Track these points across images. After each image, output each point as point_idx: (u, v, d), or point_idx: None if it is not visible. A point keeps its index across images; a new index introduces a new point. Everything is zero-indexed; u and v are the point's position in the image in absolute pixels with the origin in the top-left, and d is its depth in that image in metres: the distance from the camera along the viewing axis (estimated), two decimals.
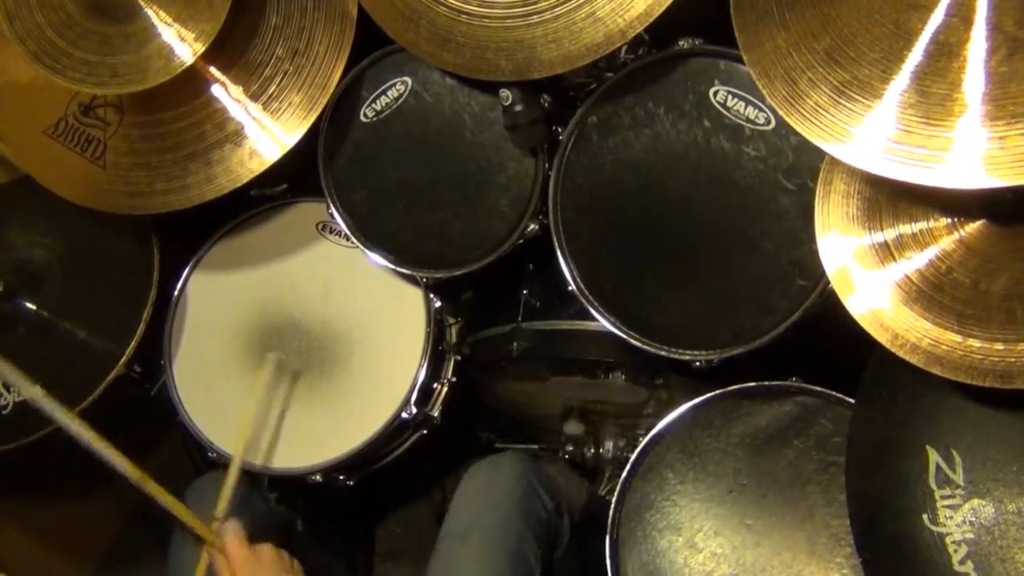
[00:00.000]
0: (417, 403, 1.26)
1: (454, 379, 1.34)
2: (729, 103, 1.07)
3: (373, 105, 1.25)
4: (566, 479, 1.56)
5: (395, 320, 1.30)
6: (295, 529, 1.40)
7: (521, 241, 1.20)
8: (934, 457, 0.92)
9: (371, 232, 1.28)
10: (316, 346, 1.31)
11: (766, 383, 1.11)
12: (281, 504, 1.36)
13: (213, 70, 1.17)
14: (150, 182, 1.20)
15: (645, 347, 1.13)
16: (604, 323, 1.15)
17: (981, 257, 0.85)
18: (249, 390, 1.30)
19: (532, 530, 1.14)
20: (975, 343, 0.84)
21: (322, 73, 1.17)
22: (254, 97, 1.18)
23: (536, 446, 1.56)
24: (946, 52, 0.75)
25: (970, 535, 0.88)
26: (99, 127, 1.22)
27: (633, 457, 1.13)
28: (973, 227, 0.87)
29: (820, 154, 0.92)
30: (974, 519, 0.89)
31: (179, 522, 1.12)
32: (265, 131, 1.18)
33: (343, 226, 1.28)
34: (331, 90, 1.18)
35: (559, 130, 1.17)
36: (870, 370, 0.99)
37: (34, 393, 1.15)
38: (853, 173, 0.93)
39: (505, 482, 1.18)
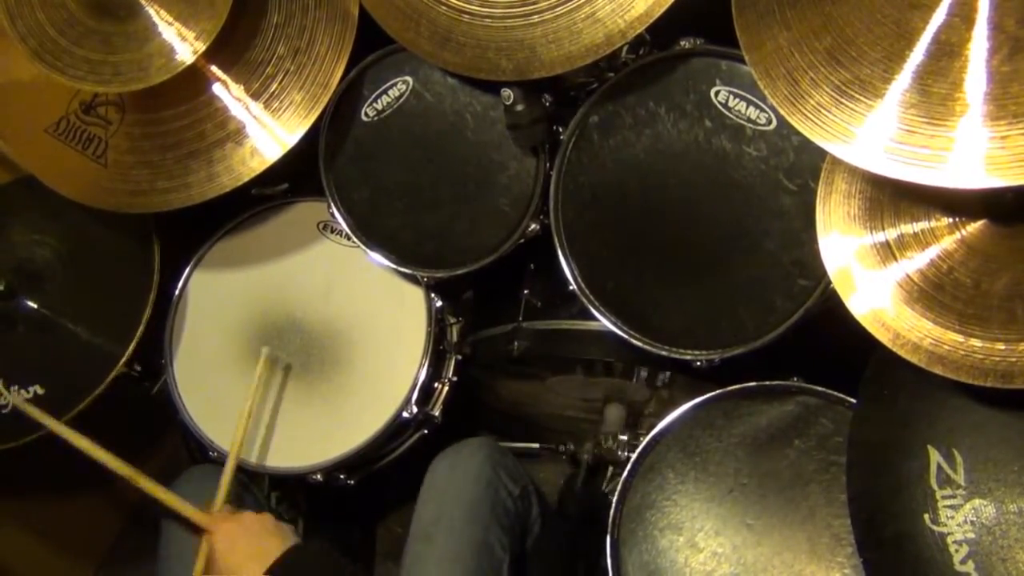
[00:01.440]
0: (418, 402, 1.26)
1: (455, 379, 1.33)
2: (730, 103, 1.07)
3: (374, 104, 1.25)
4: (566, 478, 1.56)
5: (396, 319, 1.30)
6: (295, 529, 1.39)
7: (522, 241, 1.20)
8: (935, 457, 0.92)
9: (372, 232, 1.28)
10: (317, 345, 1.31)
11: (767, 383, 1.11)
12: (282, 504, 1.36)
13: (214, 69, 1.17)
14: (151, 181, 1.21)
15: (646, 347, 1.13)
16: (605, 323, 1.15)
17: (982, 257, 0.85)
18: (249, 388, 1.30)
19: (498, 520, 1.12)
20: (976, 343, 0.84)
21: (323, 72, 1.17)
22: (255, 96, 1.18)
23: (536, 446, 1.56)
24: (948, 52, 0.75)
25: (971, 535, 0.88)
26: (100, 125, 1.22)
27: (634, 457, 1.13)
28: (974, 227, 0.87)
29: (821, 154, 0.92)
30: (975, 519, 0.89)
31: (172, 512, 1.13)
32: (266, 130, 1.18)
33: (344, 226, 1.28)
34: (332, 89, 1.18)
35: (560, 130, 1.17)
36: (871, 370, 0.99)
37: (16, 400, 1.17)
38: (854, 173, 0.93)
39: (467, 473, 1.15)
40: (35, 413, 1.18)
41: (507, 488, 1.16)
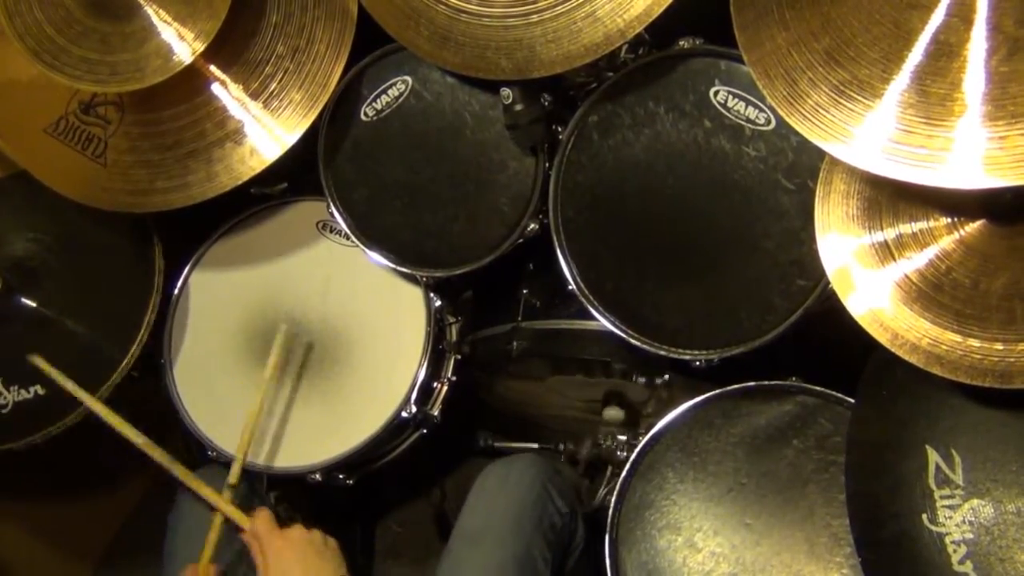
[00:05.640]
0: (417, 402, 1.26)
1: (454, 378, 1.33)
2: (729, 103, 1.07)
3: (373, 104, 1.25)
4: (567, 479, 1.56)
5: (395, 319, 1.30)
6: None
7: (521, 240, 1.20)
8: (933, 457, 0.92)
9: (371, 231, 1.28)
10: (316, 345, 1.31)
11: (766, 383, 1.11)
12: (281, 503, 1.36)
13: (213, 68, 1.17)
14: (151, 180, 1.20)
15: (645, 346, 1.13)
16: (604, 322, 1.15)
17: (981, 257, 0.86)
18: (249, 388, 1.30)
19: (544, 535, 1.14)
20: (975, 343, 0.84)
21: (322, 71, 1.17)
22: (254, 95, 1.18)
23: (536, 445, 1.56)
24: (946, 52, 0.75)
25: (969, 535, 0.88)
26: (99, 125, 1.22)
27: (633, 456, 1.13)
28: (973, 227, 0.87)
29: (820, 154, 0.92)
30: (973, 519, 0.89)
31: (209, 504, 1.14)
32: (265, 129, 1.18)
33: (343, 225, 1.28)
34: (331, 88, 1.18)
35: (559, 129, 1.17)
36: (870, 370, 0.99)
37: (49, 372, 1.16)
38: (853, 173, 0.93)
39: (519, 485, 1.17)
40: (73, 389, 1.18)
41: (555, 505, 1.17)
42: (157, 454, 1.16)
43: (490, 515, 1.15)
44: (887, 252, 0.90)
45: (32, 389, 1.29)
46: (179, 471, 1.16)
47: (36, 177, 1.24)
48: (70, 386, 1.19)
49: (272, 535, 1.06)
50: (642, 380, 1.30)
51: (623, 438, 1.37)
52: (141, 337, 1.28)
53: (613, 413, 1.38)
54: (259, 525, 1.08)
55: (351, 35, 1.17)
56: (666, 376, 1.28)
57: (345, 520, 1.62)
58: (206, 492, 1.15)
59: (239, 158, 1.18)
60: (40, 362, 1.22)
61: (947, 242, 0.87)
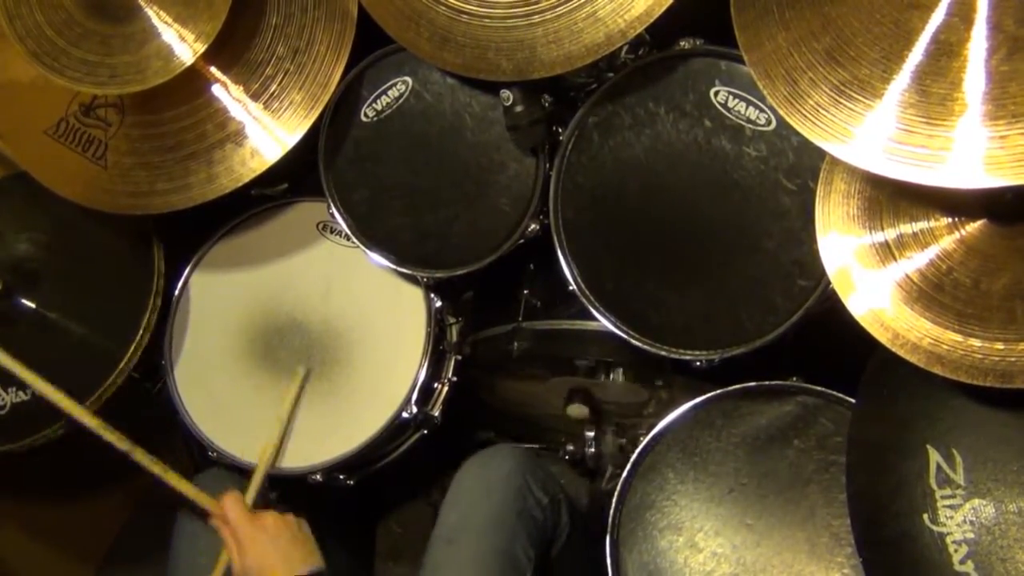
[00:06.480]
0: (418, 403, 1.26)
1: (455, 379, 1.33)
2: (730, 103, 1.07)
3: (374, 105, 1.25)
4: (567, 478, 1.56)
5: (396, 320, 1.30)
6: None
7: (522, 241, 1.20)
8: (935, 457, 0.92)
9: (372, 232, 1.28)
10: (317, 346, 1.31)
11: (767, 383, 1.11)
12: (281, 504, 1.36)
13: (214, 70, 1.17)
14: (151, 182, 1.20)
15: (646, 347, 1.13)
16: (605, 323, 1.15)
17: (982, 257, 0.86)
18: (249, 389, 1.30)
19: (525, 527, 1.13)
20: (976, 342, 0.84)
21: (323, 72, 1.17)
22: (255, 96, 1.18)
23: (536, 446, 1.56)
24: (947, 51, 0.76)
25: (971, 535, 0.88)
26: (100, 127, 1.22)
27: (634, 457, 1.13)
28: (974, 227, 0.87)
29: (821, 154, 0.92)
30: (974, 519, 0.89)
31: (181, 495, 1.12)
32: (266, 130, 1.18)
33: (343, 226, 1.28)
34: (332, 89, 1.18)
35: (560, 130, 1.17)
36: (871, 370, 0.99)
37: (39, 386, 1.14)
38: (854, 173, 0.93)
39: (496, 479, 1.16)
40: (55, 396, 1.16)
41: (536, 497, 1.16)
42: (142, 456, 1.13)
43: (469, 511, 1.14)
44: (888, 252, 0.90)
45: (29, 391, 1.29)
46: (141, 456, 1.12)
47: (37, 179, 1.24)
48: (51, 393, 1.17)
49: (244, 520, 1.04)
50: (643, 381, 1.30)
51: (624, 439, 1.37)
52: (140, 339, 1.28)
53: (577, 410, 1.37)
54: (230, 510, 1.05)
55: (351, 36, 1.17)
56: (667, 376, 1.28)
57: (346, 521, 1.62)
58: (171, 478, 1.12)
59: (240, 159, 1.18)
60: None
61: (948, 242, 0.87)
